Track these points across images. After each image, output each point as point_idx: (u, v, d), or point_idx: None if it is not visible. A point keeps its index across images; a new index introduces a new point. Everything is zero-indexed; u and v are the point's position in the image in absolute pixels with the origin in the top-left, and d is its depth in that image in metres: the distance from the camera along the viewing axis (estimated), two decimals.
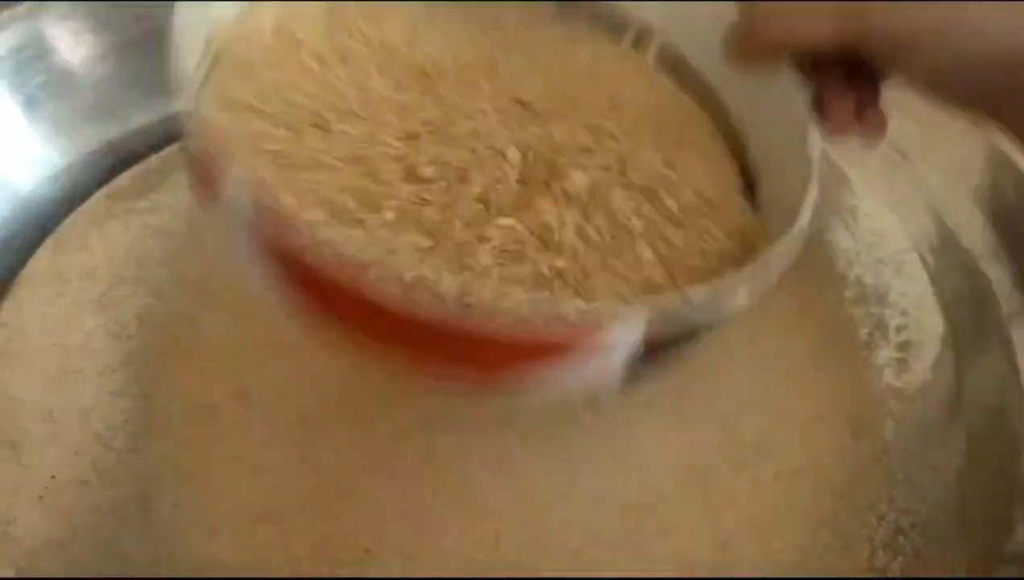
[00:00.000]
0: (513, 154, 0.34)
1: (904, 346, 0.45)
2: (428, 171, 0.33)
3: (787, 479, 0.41)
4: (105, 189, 0.49)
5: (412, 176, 0.33)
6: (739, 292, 0.29)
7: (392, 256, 0.28)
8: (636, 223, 0.33)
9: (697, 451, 0.42)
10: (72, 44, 0.49)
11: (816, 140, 0.33)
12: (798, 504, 0.40)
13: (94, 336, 0.43)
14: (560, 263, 0.31)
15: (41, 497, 0.38)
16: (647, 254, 0.33)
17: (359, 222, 0.31)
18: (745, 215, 0.36)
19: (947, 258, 0.46)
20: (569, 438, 0.41)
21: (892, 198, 0.50)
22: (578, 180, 0.34)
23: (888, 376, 0.44)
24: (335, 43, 0.37)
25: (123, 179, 0.50)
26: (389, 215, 0.31)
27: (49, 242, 0.46)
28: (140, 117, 0.51)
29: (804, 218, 0.31)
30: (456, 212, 0.32)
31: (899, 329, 0.45)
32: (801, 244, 0.30)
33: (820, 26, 0.31)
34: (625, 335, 0.28)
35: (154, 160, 0.51)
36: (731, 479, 0.41)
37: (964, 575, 0.36)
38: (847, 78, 0.33)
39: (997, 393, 0.41)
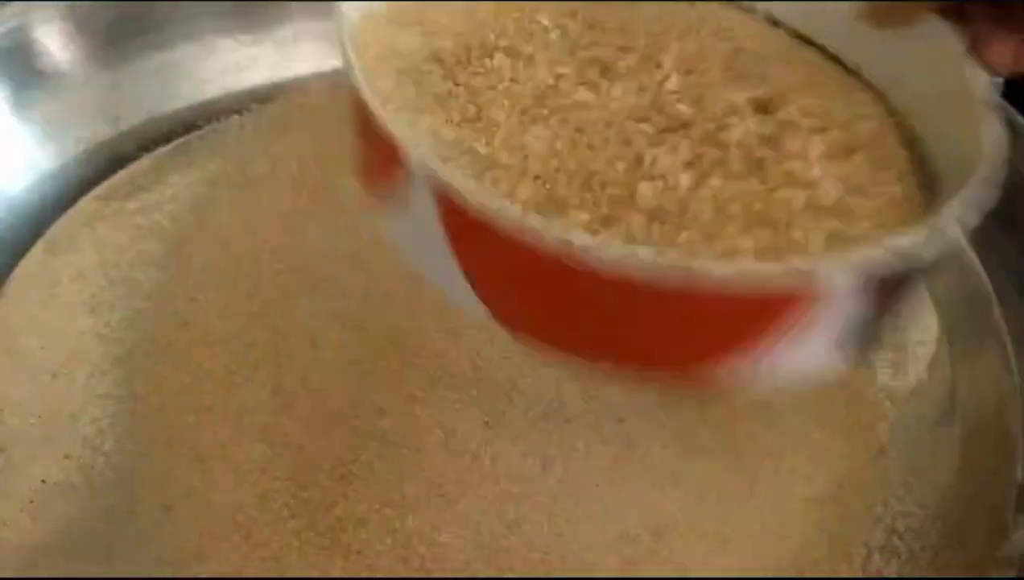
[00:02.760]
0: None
1: (899, 347, 0.45)
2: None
3: (781, 481, 0.41)
4: (96, 190, 0.49)
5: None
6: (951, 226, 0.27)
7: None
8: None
9: (689, 455, 0.41)
10: (62, 45, 0.49)
11: (981, 78, 0.31)
12: (793, 507, 0.40)
13: (84, 338, 0.43)
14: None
15: (31, 501, 0.38)
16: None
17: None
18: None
19: (941, 257, 0.46)
20: (558, 434, 0.41)
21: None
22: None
23: (882, 378, 0.44)
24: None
25: (114, 180, 0.50)
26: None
27: (40, 244, 0.46)
28: (131, 118, 0.51)
29: (998, 146, 0.28)
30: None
31: (893, 330, 0.45)
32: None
33: None
34: (841, 292, 0.25)
35: (145, 161, 0.51)
36: (723, 481, 0.41)
37: (960, 577, 0.36)
38: (997, 14, 0.31)
39: (992, 395, 0.41)
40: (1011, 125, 0.43)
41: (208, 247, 0.47)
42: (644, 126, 0.32)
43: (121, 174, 0.50)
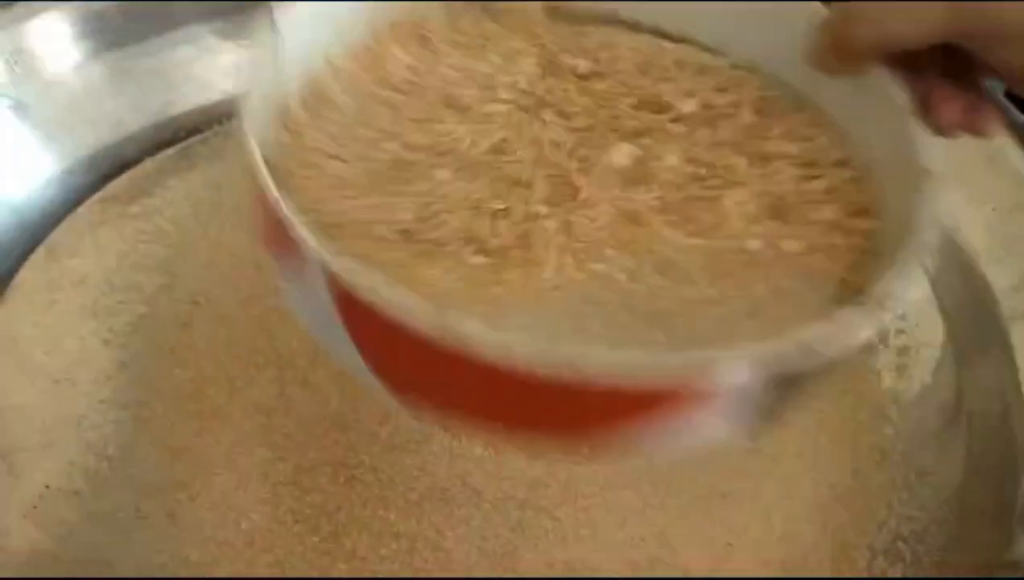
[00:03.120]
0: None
1: (903, 351, 0.45)
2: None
3: (786, 484, 0.41)
4: (98, 195, 0.49)
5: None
6: (862, 326, 0.26)
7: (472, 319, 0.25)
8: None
9: (694, 458, 0.41)
10: (63, 49, 0.49)
11: (927, 144, 0.30)
12: (797, 510, 0.40)
13: (87, 344, 0.43)
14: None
15: (35, 507, 0.38)
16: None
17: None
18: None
19: (946, 260, 0.46)
20: None
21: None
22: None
23: (887, 381, 0.44)
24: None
25: (115, 185, 0.49)
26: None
27: (42, 249, 0.46)
28: (132, 122, 0.51)
29: (927, 233, 0.27)
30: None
31: (898, 333, 0.45)
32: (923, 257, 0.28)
33: (925, 21, 0.29)
34: (733, 379, 0.25)
35: (147, 165, 0.51)
36: (729, 485, 0.41)
37: (965, 578, 0.36)
38: (946, 76, 0.31)
39: (997, 399, 0.41)
40: (1014, 127, 0.44)
41: (210, 251, 0.47)
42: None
43: (123, 178, 0.50)
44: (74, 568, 0.37)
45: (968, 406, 0.42)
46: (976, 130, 0.31)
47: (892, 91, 0.31)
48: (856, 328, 0.26)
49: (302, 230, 0.26)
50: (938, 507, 0.39)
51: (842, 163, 0.33)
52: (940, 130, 0.31)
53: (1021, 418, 0.40)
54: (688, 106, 0.35)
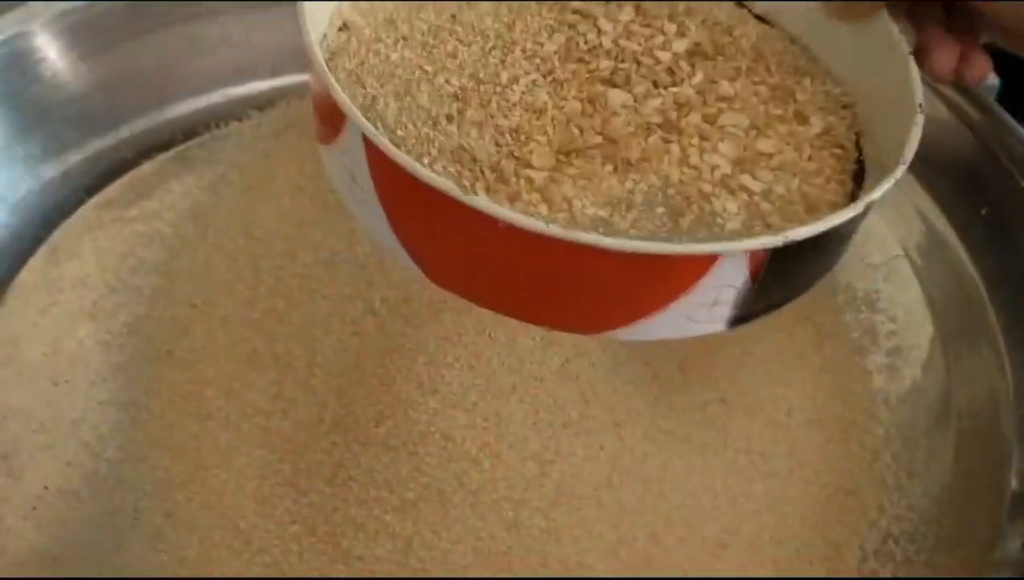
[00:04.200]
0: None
1: (894, 351, 0.45)
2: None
3: (777, 484, 0.41)
4: (96, 198, 0.49)
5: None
6: (845, 227, 0.28)
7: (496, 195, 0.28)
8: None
9: (686, 457, 0.42)
10: (61, 52, 0.49)
11: (919, 86, 0.32)
12: (788, 509, 0.41)
13: (86, 345, 0.43)
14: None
15: (34, 508, 0.38)
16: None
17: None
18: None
19: (935, 260, 0.46)
20: (556, 439, 0.41)
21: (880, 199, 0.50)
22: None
23: (878, 381, 0.44)
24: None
25: (114, 187, 0.50)
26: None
27: (41, 252, 0.46)
28: (131, 125, 0.51)
29: (908, 154, 0.30)
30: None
31: (889, 334, 0.46)
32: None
33: None
34: (731, 273, 0.28)
35: (145, 167, 0.51)
36: (720, 484, 0.41)
37: (955, 578, 0.36)
38: (945, 25, 0.33)
39: (986, 398, 0.41)
40: (1006, 127, 0.44)
41: (208, 254, 0.47)
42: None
43: (121, 181, 0.50)
44: (73, 569, 0.37)
45: (957, 406, 0.42)
46: (967, 78, 0.33)
47: (894, 35, 0.33)
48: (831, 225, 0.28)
49: (346, 101, 0.28)
50: (928, 507, 0.39)
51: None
52: (931, 73, 0.33)
53: (1009, 417, 0.41)
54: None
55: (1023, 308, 0.42)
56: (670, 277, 0.28)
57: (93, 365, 0.43)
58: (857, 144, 0.34)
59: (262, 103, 0.55)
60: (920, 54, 0.33)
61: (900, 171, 0.29)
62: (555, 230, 0.26)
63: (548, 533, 0.39)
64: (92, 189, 0.49)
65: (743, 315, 0.29)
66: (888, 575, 0.38)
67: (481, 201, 0.27)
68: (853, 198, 0.32)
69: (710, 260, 0.27)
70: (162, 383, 0.42)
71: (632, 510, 0.40)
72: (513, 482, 0.39)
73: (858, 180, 0.33)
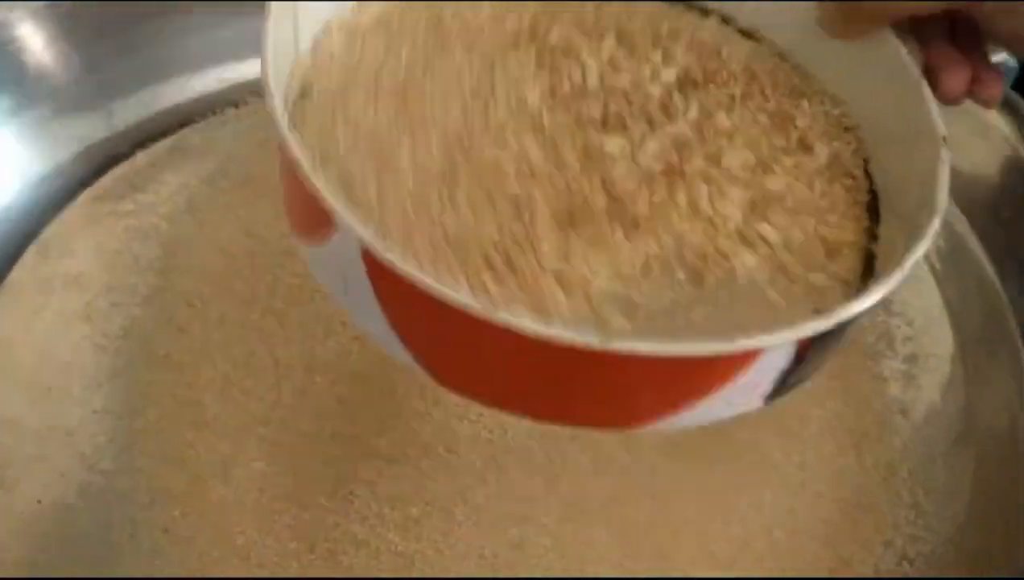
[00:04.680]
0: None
1: (911, 358, 0.44)
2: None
3: (789, 498, 0.40)
4: (88, 191, 0.47)
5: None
6: (881, 296, 0.27)
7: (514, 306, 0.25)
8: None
9: (696, 469, 0.41)
10: (48, 43, 0.47)
11: (938, 118, 0.30)
12: (800, 525, 0.40)
13: (80, 349, 0.42)
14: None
15: (28, 522, 0.37)
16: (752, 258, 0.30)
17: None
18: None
19: (954, 263, 0.45)
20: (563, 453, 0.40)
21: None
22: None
23: (894, 389, 0.43)
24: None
25: (107, 180, 0.48)
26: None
27: (32, 249, 0.45)
28: (123, 114, 0.50)
29: (941, 201, 0.28)
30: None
31: (905, 340, 0.44)
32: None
33: None
34: (775, 361, 0.26)
35: (140, 158, 0.49)
36: (731, 498, 0.40)
37: None
38: (952, 44, 0.32)
39: (1007, 412, 0.40)
40: None
41: (205, 250, 0.46)
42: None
43: (115, 173, 0.48)
44: None
45: (977, 420, 0.41)
46: (979, 98, 0.32)
47: (903, 57, 0.31)
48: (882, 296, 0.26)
49: (338, 205, 0.25)
50: (946, 527, 0.38)
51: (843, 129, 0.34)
52: (943, 97, 0.31)
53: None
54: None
55: None
56: (714, 371, 0.26)
57: (87, 370, 0.42)
58: (866, 170, 0.32)
59: (258, 88, 0.52)
60: (929, 75, 0.31)
61: (936, 223, 0.27)
62: (594, 343, 0.23)
63: (554, 551, 0.38)
64: (85, 182, 0.48)
65: (781, 390, 0.28)
66: None
67: (510, 318, 0.24)
68: (871, 234, 0.30)
69: (756, 354, 0.25)
70: (158, 389, 0.41)
71: (640, 526, 0.39)
72: (518, 498, 0.39)
73: (872, 211, 0.31)
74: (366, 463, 0.39)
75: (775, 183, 0.30)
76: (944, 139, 0.29)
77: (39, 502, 0.38)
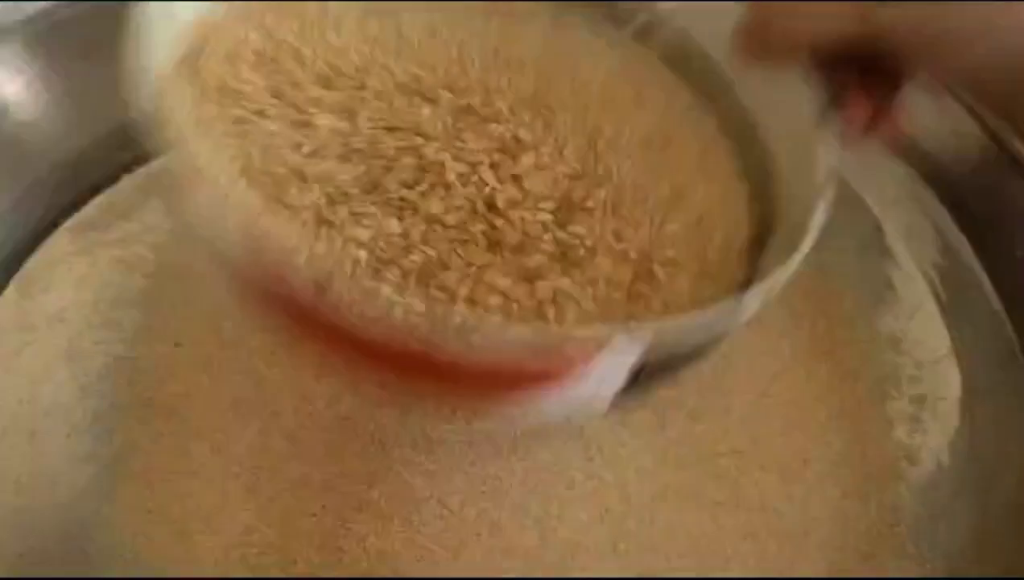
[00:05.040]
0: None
1: (919, 400, 0.42)
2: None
3: (792, 546, 0.39)
4: (71, 220, 0.46)
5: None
6: (735, 314, 0.28)
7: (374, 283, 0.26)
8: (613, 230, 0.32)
9: (697, 517, 0.40)
10: (26, 63, 0.45)
11: (830, 150, 0.32)
12: (804, 571, 0.39)
13: (63, 391, 0.41)
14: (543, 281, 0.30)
15: (9, 571, 0.36)
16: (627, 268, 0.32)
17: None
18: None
19: (964, 304, 0.43)
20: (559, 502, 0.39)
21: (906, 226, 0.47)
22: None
23: (900, 433, 0.42)
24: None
25: (91, 208, 0.47)
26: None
27: (13, 285, 0.43)
28: (106, 136, 0.48)
29: (808, 241, 0.29)
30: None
31: (912, 380, 0.43)
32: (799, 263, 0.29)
33: (828, 27, 0.30)
34: (616, 363, 0.27)
35: (124, 183, 0.48)
36: (733, 547, 0.39)
37: None
38: (864, 77, 0.32)
39: (1017, 459, 0.39)
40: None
41: (192, 285, 0.44)
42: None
43: (99, 200, 0.47)
44: None
45: (984, 471, 0.40)
46: (878, 135, 0.32)
47: (802, 89, 0.33)
48: (720, 317, 0.28)
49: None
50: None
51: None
52: (850, 129, 0.32)
53: None
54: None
55: None
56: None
57: (71, 414, 0.40)
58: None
59: None
60: (833, 108, 0.32)
61: (790, 264, 0.29)
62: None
63: (550, 555, 0.37)
64: (67, 210, 0.46)
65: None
66: None
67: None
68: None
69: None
70: (142, 435, 0.40)
71: (633, 536, 0.38)
72: (513, 552, 0.38)
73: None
74: (356, 516, 0.38)
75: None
76: (825, 176, 0.31)
77: (20, 556, 0.37)
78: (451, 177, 0.32)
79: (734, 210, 0.35)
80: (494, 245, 0.31)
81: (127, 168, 0.48)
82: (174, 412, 0.41)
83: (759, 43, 0.32)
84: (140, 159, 0.48)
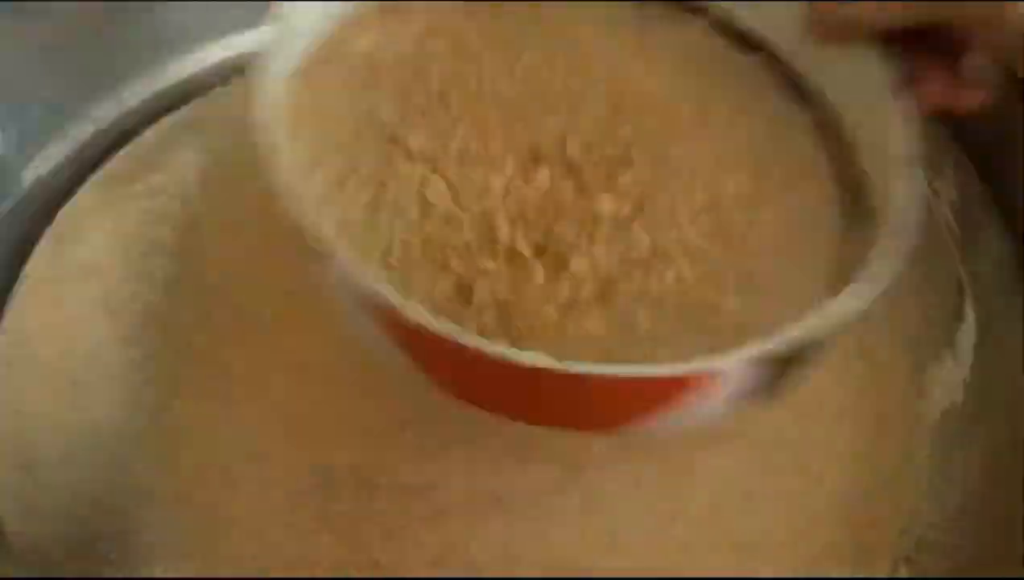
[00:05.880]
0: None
1: (932, 343, 0.43)
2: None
3: (806, 481, 0.41)
4: (98, 173, 0.47)
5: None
6: (840, 316, 0.29)
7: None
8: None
9: (716, 455, 0.41)
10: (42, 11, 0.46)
11: (909, 131, 0.33)
12: (820, 508, 0.40)
13: (100, 341, 0.42)
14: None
15: (56, 520, 0.38)
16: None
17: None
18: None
19: (975, 241, 0.44)
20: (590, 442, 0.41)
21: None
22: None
23: (917, 373, 0.43)
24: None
25: (117, 160, 0.47)
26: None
27: (46, 238, 0.44)
28: (132, 89, 0.49)
29: (901, 225, 0.30)
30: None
31: (927, 320, 0.44)
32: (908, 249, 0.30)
33: (895, 7, 0.31)
34: (728, 382, 0.29)
35: (149, 135, 0.49)
36: (753, 484, 0.40)
37: None
38: (934, 52, 0.33)
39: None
40: None
41: (222, 233, 0.45)
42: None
43: (124, 152, 0.48)
44: None
45: (995, 405, 0.41)
46: (957, 107, 0.33)
47: (878, 68, 0.34)
48: (846, 313, 0.29)
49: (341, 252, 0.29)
50: (964, 518, 0.39)
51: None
52: (930, 103, 0.33)
53: None
54: None
55: None
56: (668, 390, 0.29)
57: (111, 362, 0.42)
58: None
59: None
60: (909, 84, 0.33)
61: (899, 244, 0.30)
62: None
63: (576, 542, 0.38)
64: (95, 164, 0.47)
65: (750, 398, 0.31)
66: None
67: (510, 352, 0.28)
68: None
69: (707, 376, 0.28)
70: (183, 380, 0.41)
71: (662, 515, 0.39)
72: (541, 490, 0.39)
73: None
74: (392, 455, 0.39)
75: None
76: (906, 156, 0.32)
77: (73, 499, 0.38)
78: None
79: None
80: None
81: (151, 120, 0.49)
82: (210, 359, 0.42)
83: (828, 21, 0.34)
84: (162, 111, 0.49)
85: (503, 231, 0.33)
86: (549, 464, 0.40)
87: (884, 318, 0.44)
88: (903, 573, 0.38)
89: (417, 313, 0.28)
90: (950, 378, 0.42)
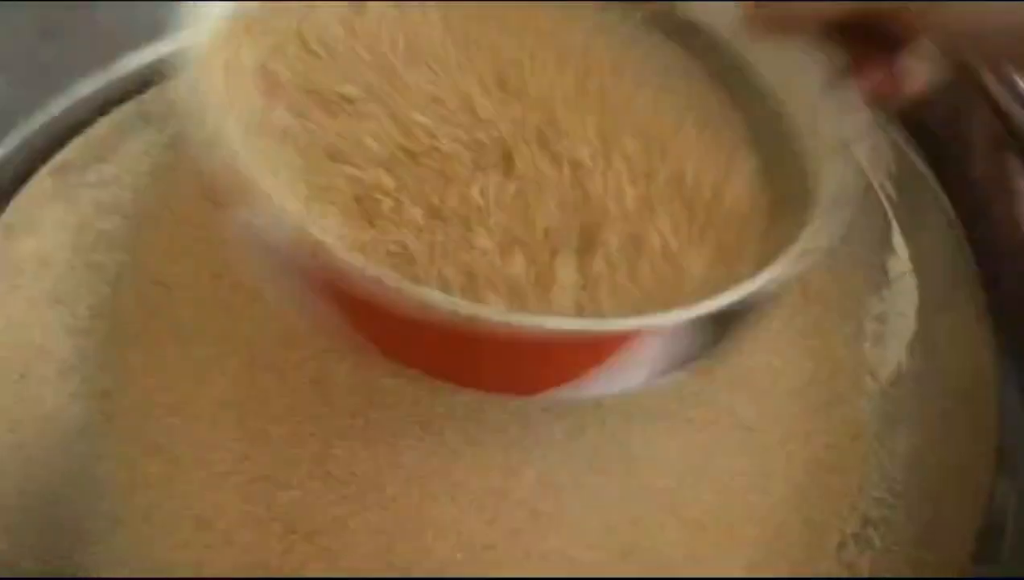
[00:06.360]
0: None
1: (881, 319, 0.44)
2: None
3: (761, 461, 0.41)
4: (50, 163, 0.46)
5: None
6: (772, 285, 0.29)
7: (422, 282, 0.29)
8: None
9: (670, 434, 0.41)
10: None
11: (847, 117, 0.33)
12: (773, 487, 0.40)
13: (50, 332, 0.42)
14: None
15: (6, 515, 0.38)
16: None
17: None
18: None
19: (919, 217, 0.45)
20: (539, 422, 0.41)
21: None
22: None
23: (865, 349, 0.43)
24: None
25: (68, 150, 0.47)
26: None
27: None
28: (84, 79, 0.48)
29: (825, 208, 0.31)
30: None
31: (876, 298, 0.45)
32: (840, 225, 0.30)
33: (824, 6, 0.32)
34: (659, 343, 0.29)
35: (102, 125, 0.48)
36: (706, 462, 0.41)
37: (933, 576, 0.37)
38: (868, 43, 0.33)
39: (972, 379, 0.41)
40: None
41: (172, 225, 0.45)
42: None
43: (76, 142, 0.47)
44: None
45: (942, 385, 0.41)
46: (896, 96, 0.34)
47: (814, 60, 0.34)
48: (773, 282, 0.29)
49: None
50: (909, 493, 0.39)
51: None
52: (869, 91, 0.33)
53: (992, 392, 0.40)
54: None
55: (1008, 279, 0.41)
56: (596, 348, 0.29)
57: (60, 353, 0.41)
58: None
59: None
60: (852, 72, 0.33)
61: (821, 226, 0.30)
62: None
63: (530, 523, 0.38)
64: (46, 154, 0.46)
65: (678, 366, 0.31)
66: (867, 562, 0.38)
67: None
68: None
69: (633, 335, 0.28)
70: (131, 372, 0.41)
71: (614, 495, 0.40)
72: (494, 472, 0.39)
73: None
74: (342, 443, 0.39)
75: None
76: (842, 143, 0.32)
77: (21, 493, 0.38)
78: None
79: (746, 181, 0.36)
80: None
81: (103, 110, 0.48)
82: (160, 349, 0.42)
83: (768, 18, 0.34)
84: (115, 100, 0.49)
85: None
86: (501, 448, 0.40)
87: (834, 298, 0.45)
88: (851, 549, 0.38)
89: (337, 250, 0.28)
90: (894, 353, 0.43)
